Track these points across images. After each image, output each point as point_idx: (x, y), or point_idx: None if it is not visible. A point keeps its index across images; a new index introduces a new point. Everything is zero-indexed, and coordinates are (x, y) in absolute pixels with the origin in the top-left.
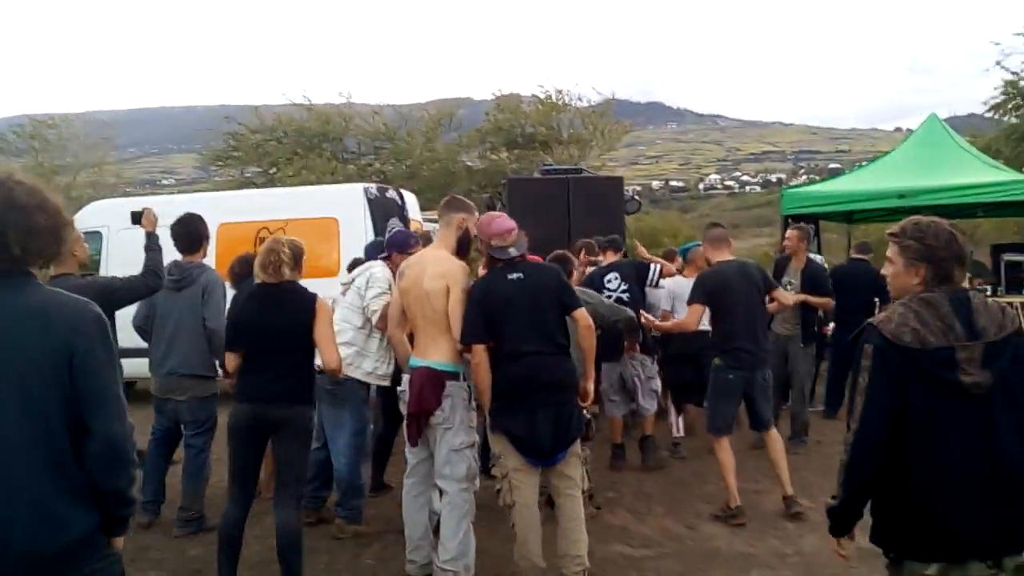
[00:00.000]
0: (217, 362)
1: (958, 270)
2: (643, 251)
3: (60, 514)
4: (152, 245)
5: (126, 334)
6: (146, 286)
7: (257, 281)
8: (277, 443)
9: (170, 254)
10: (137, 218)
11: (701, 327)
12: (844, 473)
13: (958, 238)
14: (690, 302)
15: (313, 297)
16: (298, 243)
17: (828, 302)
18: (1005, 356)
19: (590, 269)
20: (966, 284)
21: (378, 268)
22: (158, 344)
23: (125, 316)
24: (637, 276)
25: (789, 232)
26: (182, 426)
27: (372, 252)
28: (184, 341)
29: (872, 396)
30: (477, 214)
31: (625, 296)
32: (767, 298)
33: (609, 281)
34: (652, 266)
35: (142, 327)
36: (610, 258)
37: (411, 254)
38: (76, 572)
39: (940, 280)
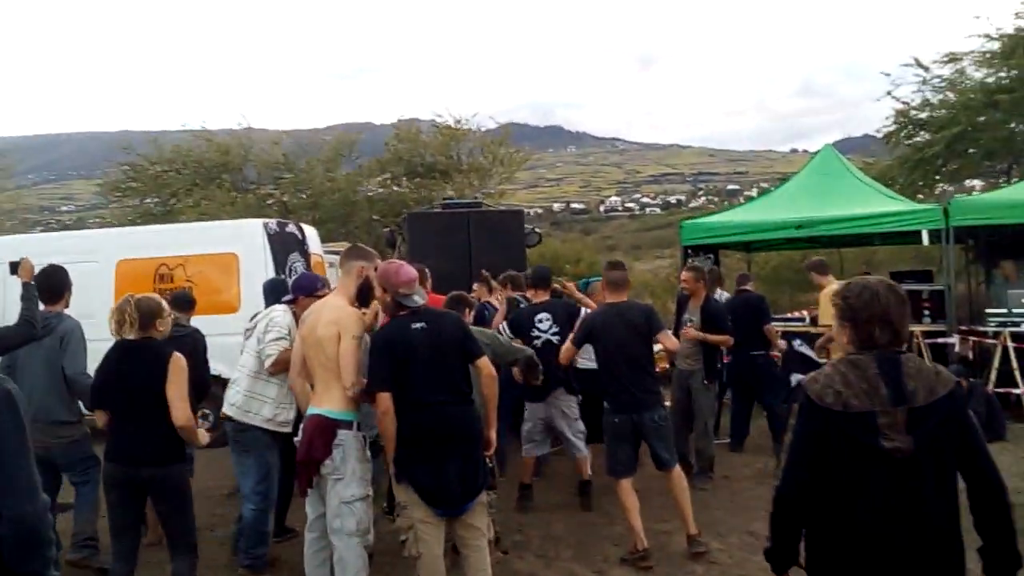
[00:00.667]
0: (81, 404)
1: (880, 330)
2: (573, 290)
3: None
4: (28, 295)
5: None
6: (19, 335)
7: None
8: (154, 501)
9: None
10: (14, 268)
11: (591, 366)
12: (772, 523)
13: (880, 298)
14: (572, 340)
15: (167, 354)
16: (153, 300)
17: (726, 339)
18: (932, 420)
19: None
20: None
21: (279, 313)
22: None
23: None
24: (568, 318)
25: (684, 275)
26: (64, 473)
27: (269, 290)
28: (43, 389)
29: (794, 454)
30: (378, 261)
31: (555, 339)
32: (653, 340)
33: (540, 321)
34: (583, 310)
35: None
36: (540, 296)
37: (318, 297)
38: None
39: (862, 340)
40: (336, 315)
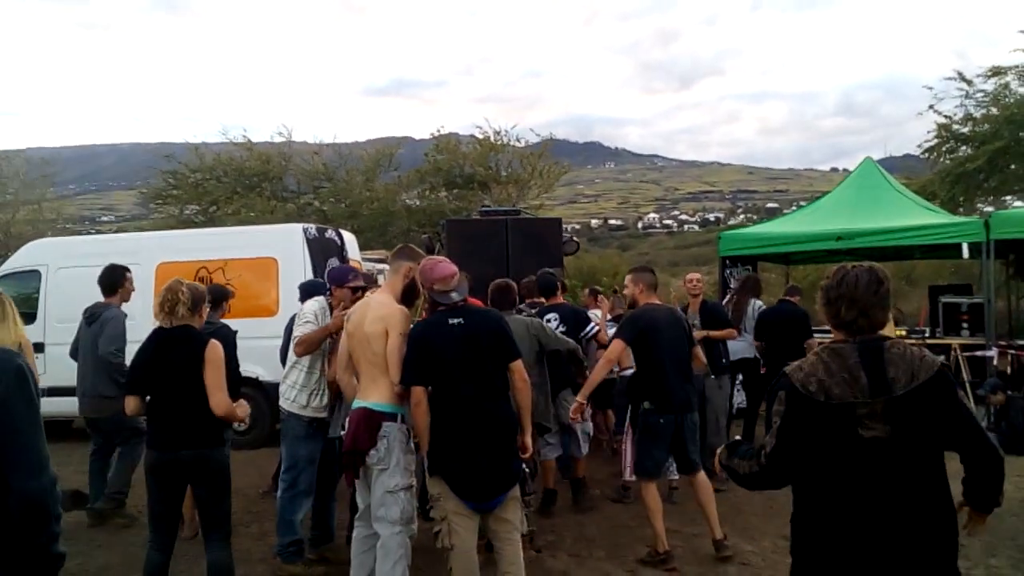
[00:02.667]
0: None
1: (846, 310)
2: (594, 303)
3: None
4: None
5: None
6: None
7: (155, 324)
8: (194, 487)
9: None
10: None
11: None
12: (743, 485)
13: (849, 278)
14: (616, 336)
15: (204, 341)
16: (199, 287)
17: (729, 332)
18: (913, 407)
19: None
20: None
21: (309, 303)
22: (78, 370)
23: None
24: (575, 318)
25: (692, 275)
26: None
27: (305, 290)
28: (91, 368)
29: (778, 440)
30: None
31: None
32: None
33: (548, 321)
34: (592, 324)
35: (72, 356)
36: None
37: (351, 287)
38: None
39: (831, 319)
40: (383, 312)
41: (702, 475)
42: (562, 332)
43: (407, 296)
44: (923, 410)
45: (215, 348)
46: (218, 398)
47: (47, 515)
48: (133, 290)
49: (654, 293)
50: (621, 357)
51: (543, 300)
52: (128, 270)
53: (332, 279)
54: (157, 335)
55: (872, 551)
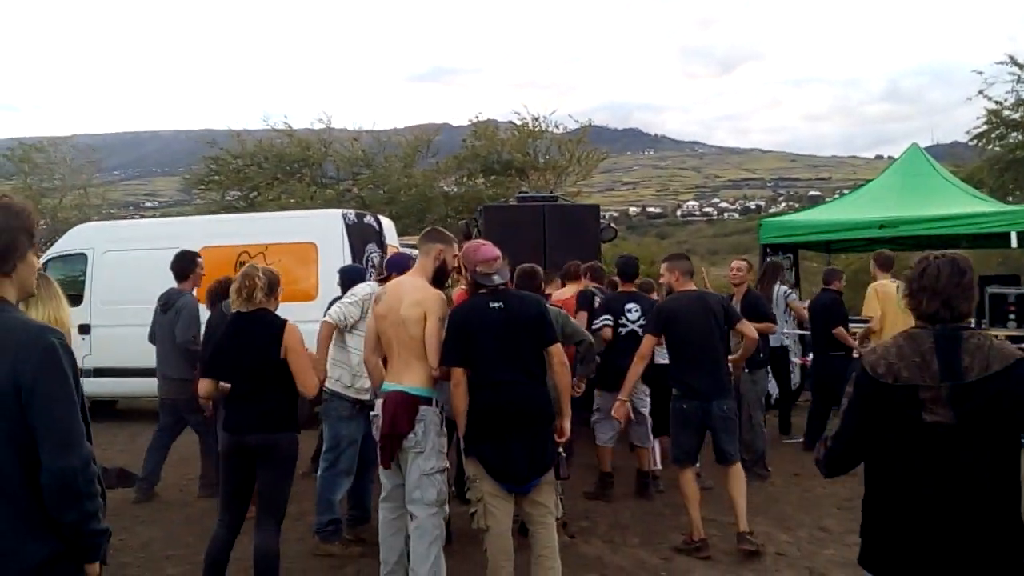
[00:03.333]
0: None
1: (928, 301)
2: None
3: (10, 547)
4: None
5: (108, 354)
6: None
7: (232, 308)
8: (259, 469)
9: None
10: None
11: (663, 361)
12: (819, 464)
13: (931, 269)
14: (645, 331)
15: (282, 324)
16: (274, 271)
17: (768, 326)
18: (982, 396)
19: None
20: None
21: (362, 286)
22: (157, 354)
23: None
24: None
25: (737, 263)
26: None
27: (346, 275)
28: (167, 352)
29: (846, 421)
30: (456, 245)
31: (640, 331)
32: (729, 330)
33: (630, 311)
34: None
35: (151, 340)
36: (627, 287)
37: None
38: None
39: (915, 310)
40: (420, 296)
41: (737, 467)
42: (642, 325)
43: (437, 278)
44: (995, 399)
45: (293, 331)
46: (307, 379)
47: (77, 493)
48: (203, 274)
49: (690, 280)
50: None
51: (601, 288)
52: (198, 255)
53: (393, 266)
54: (236, 320)
55: (934, 536)
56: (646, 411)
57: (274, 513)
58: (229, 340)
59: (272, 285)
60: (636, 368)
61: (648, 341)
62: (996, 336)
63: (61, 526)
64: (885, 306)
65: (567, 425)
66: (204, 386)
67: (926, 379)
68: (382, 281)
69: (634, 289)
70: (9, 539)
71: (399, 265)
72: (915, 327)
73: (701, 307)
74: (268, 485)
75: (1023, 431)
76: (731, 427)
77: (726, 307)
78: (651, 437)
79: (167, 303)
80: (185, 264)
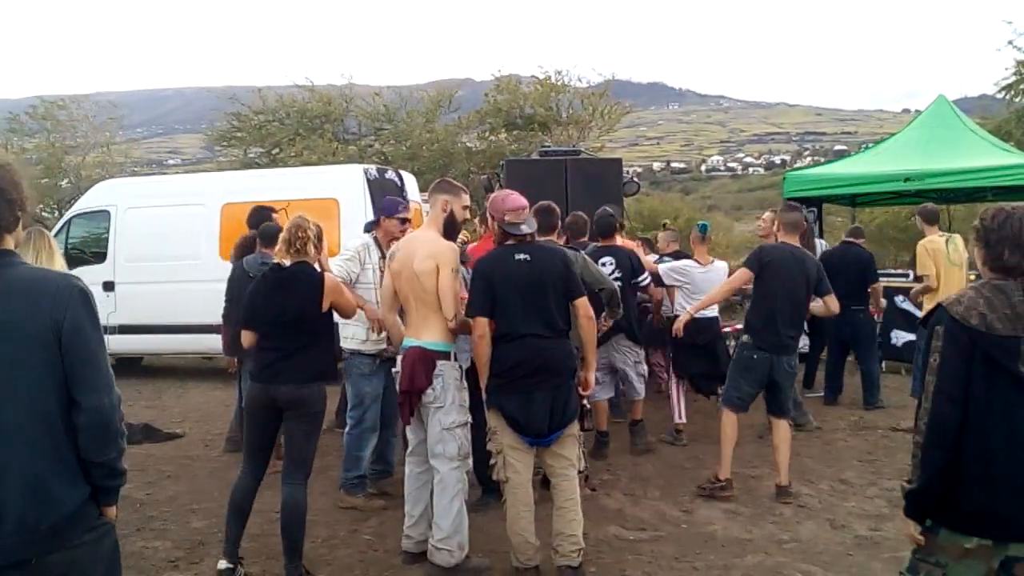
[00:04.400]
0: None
1: (1010, 252)
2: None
3: (52, 491)
4: None
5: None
6: None
7: (277, 259)
8: (287, 421)
9: None
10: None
11: (711, 314)
12: (923, 454)
13: (1013, 220)
14: (744, 265)
15: (320, 276)
16: (316, 224)
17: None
18: None
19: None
20: None
21: (355, 239)
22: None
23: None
24: (631, 264)
25: (764, 216)
26: None
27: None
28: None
29: (945, 376)
30: (464, 196)
31: (617, 284)
32: (814, 296)
33: (603, 264)
34: (645, 274)
35: (224, 314)
36: (606, 242)
37: (400, 219)
38: (67, 544)
39: (993, 261)
40: (433, 249)
41: (786, 422)
42: (617, 278)
43: (448, 231)
44: None
45: (332, 280)
46: (351, 310)
47: (116, 431)
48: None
49: (793, 233)
50: (669, 296)
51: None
52: (273, 210)
53: (382, 210)
54: (277, 273)
55: (1014, 487)
56: (636, 371)
57: (302, 466)
58: (270, 293)
59: (320, 237)
60: (721, 295)
61: (743, 274)
62: None
63: (93, 466)
64: (936, 261)
65: (591, 377)
66: (248, 338)
67: (1020, 331)
68: (373, 226)
69: (612, 244)
70: (50, 484)
71: (387, 209)
72: (996, 279)
73: (796, 264)
74: (297, 439)
75: None
76: (792, 382)
77: (821, 273)
78: (643, 388)
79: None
80: (261, 219)
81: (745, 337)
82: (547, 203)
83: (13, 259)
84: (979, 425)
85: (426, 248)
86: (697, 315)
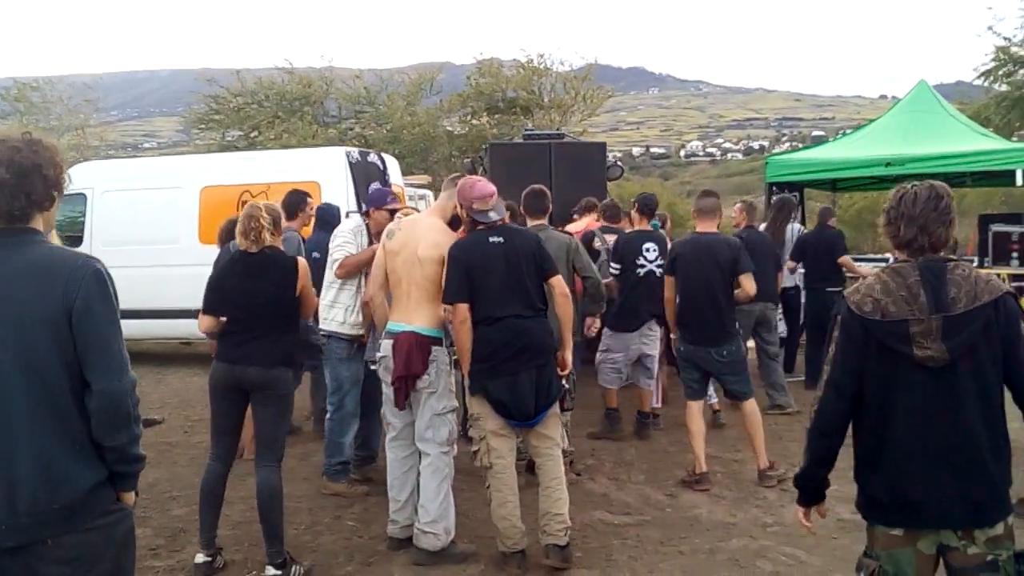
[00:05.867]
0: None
1: (905, 228)
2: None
3: (64, 471)
4: None
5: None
6: None
7: (240, 248)
8: (255, 405)
9: None
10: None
11: None
12: (807, 441)
13: (908, 196)
14: (664, 272)
15: (295, 262)
16: (275, 207)
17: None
18: (971, 328)
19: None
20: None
21: (345, 222)
22: None
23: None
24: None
25: (736, 207)
26: None
27: (321, 219)
28: None
29: (835, 366)
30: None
31: (658, 271)
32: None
33: (648, 251)
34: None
35: None
36: (643, 224)
37: (389, 210)
38: (82, 526)
39: (893, 238)
40: (440, 238)
41: (751, 403)
42: (659, 265)
43: (454, 223)
44: (982, 333)
45: (304, 264)
46: (312, 306)
47: (127, 415)
48: (312, 215)
49: (709, 218)
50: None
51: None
52: (308, 195)
53: (371, 201)
54: (243, 258)
55: (930, 473)
56: (656, 353)
57: (275, 450)
58: (238, 279)
59: (276, 222)
60: (668, 306)
61: (668, 283)
62: (997, 273)
63: (106, 451)
64: None
65: (568, 356)
66: (206, 322)
67: (915, 312)
68: (364, 216)
69: (649, 228)
70: (62, 464)
71: (376, 200)
72: (897, 261)
73: (708, 255)
74: (267, 422)
75: (1009, 364)
76: (735, 368)
77: (737, 255)
78: (655, 378)
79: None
80: (296, 201)
81: (678, 332)
82: (539, 187)
83: (36, 236)
84: (883, 412)
85: (432, 236)
86: None
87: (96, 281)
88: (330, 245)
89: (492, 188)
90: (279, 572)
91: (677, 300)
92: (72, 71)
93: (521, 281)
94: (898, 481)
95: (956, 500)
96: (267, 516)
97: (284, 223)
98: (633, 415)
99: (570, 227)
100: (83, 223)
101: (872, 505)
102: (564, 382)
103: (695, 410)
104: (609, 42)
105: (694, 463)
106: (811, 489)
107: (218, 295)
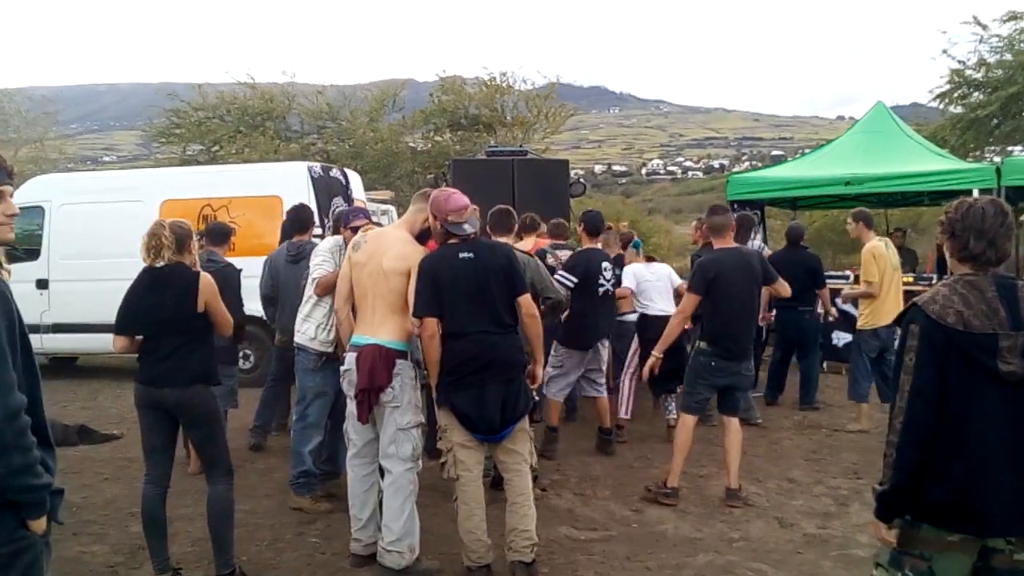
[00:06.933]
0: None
1: (974, 240)
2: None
3: None
4: None
5: (67, 309)
6: None
7: (144, 264)
8: (184, 426)
9: None
10: None
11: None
12: (896, 455)
13: (975, 210)
14: (689, 289)
15: (196, 276)
16: (183, 225)
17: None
18: None
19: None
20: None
21: (325, 241)
22: (282, 307)
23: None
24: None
25: (693, 223)
26: None
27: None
28: (293, 304)
29: (920, 376)
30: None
31: (612, 288)
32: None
33: (606, 269)
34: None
35: (268, 295)
36: (592, 242)
37: (352, 227)
38: None
39: (959, 251)
40: (406, 250)
41: (737, 421)
42: (613, 284)
43: (421, 237)
44: None
45: (208, 281)
46: (226, 324)
47: (6, 444)
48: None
49: (726, 235)
50: (624, 302)
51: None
52: (309, 208)
53: (340, 219)
54: (148, 274)
55: (991, 482)
56: (603, 367)
57: (219, 466)
58: (143, 295)
59: (181, 241)
60: (676, 328)
61: (692, 300)
62: None
63: None
64: (880, 266)
65: (539, 371)
66: (120, 343)
67: (997, 328)
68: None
69: (599, 245)
70: None
71: (344, 219)
72: (968, 274)
73: (743, 266)
74: (202, 442)
75: None
76: (747, 384)
77: (764, 264)
78: (604, 385)
79: (299, 254)
80: (307, 216)
81: (702, 344)
82: (505, 206)
83: None
84: (956, 422)
85: (398, 248)
86: (661, 313)
87: None
88: (311, 263)
89: (466, 200)
90: None
91: (710, 317)
92: (31, 83)
93: (490, 297)
94: (966, 490)
95: (1018, 512)
96: (214, 526)
97: (299, 237)
98: (594, 431)
99: (519, 245)
100: (40, 236)
101: (931, 509)
102: (533, 394)
103: (690, 424)
104: (571, 61)
105: (667, 476)
106: (898, 504)
107: (127, 313)
